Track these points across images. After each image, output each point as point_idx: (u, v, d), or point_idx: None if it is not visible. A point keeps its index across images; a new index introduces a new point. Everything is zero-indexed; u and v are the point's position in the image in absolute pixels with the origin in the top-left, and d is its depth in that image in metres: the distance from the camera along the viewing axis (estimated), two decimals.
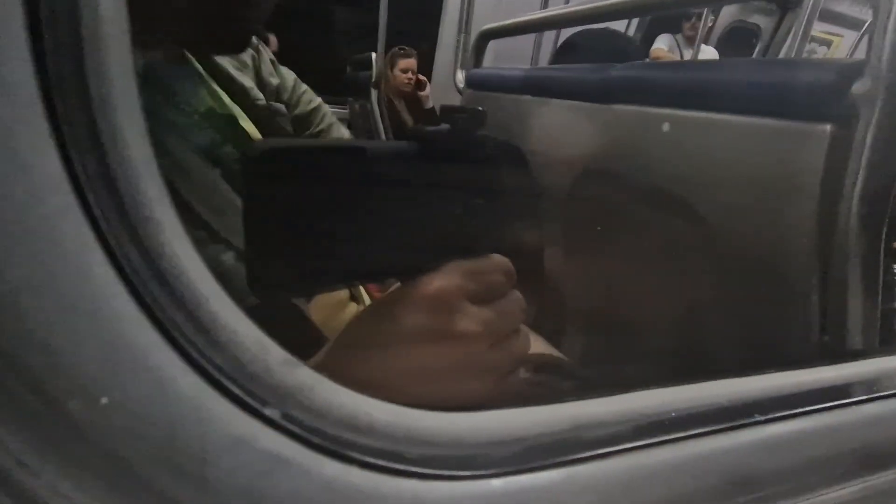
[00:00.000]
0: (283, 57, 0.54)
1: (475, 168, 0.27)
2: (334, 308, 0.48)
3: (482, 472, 0.17)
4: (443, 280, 0.24)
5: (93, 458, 0.11)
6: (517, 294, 0.26)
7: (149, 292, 0.12)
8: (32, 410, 0.11)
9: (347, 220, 0.23)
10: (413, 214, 0.25)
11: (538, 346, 0.61)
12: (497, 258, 0.26)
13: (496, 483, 0.17)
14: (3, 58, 0.10)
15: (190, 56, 0.40)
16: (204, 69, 0.41)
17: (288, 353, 0.16)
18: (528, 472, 0.18)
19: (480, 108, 0.27)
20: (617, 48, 1.32)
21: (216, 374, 0.13)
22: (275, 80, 0.52)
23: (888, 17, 0.46)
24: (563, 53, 1.36)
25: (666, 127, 0.61)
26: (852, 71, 0.48)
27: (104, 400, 0.11)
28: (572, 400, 0.21)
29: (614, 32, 1.43)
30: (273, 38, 2.42)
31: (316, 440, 0.14)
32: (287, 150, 0.23)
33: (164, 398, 0.12)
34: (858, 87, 0.47)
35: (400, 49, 2.50)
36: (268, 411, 0.14)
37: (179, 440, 0.12)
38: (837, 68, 0.51)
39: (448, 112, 0.26)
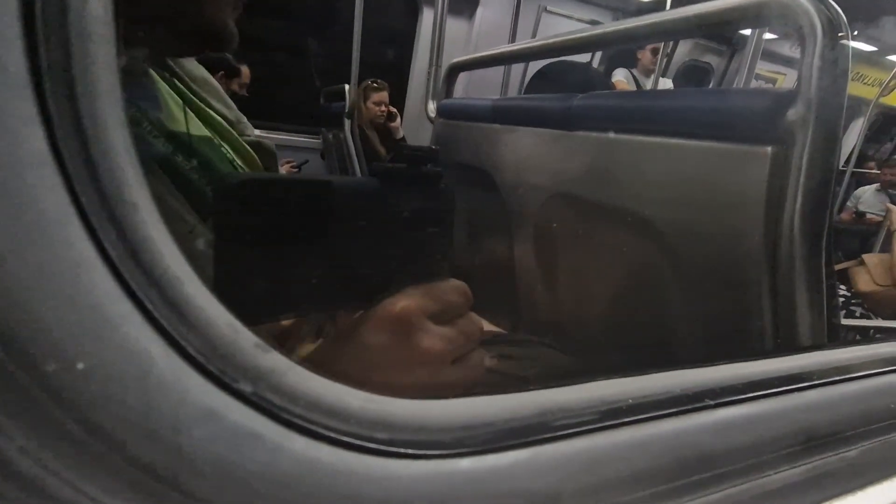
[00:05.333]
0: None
1: (430, 200, 0.29)
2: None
3: (450, 452, 0.18)
4: (405, 301, 0.26)
5: (67, 422, 0.12)
6: (474, 315, 0.29)
7: (125, 268, 0.13)
8: (7, 371, 0.11)
9: (313, 250, 0.25)
10: (374, 244, 0.27)
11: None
12: (454, 282, 0.28)
13: (464, 462, 0.18)
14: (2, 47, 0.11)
15: (158, 77, 0.41)
16: (178, 91, 0.42)
17: (258, 338, 0.16)
18: (495, 452, 0.18)
19: (433, 146, 0.29)
20: (584, 79, 1.39)
21: (189, 349, 0.14)
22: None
23: (814, 51, 0.51)
24: (536, 82, 1.43)
25: (612, 135, 0.65)
26: (787, 98, 0.53)
27: (80, 365, 0.11)
28: (539, 388, 0.22)
29: (583, 65, 1.52)
30: (246, 70, 2.45)
31: (286, 416, 0.15)
32: (258, 183, 0.25)
33: (138, 367, 0.12)
34: (793, 113, 0.52)
35: (373, 82, 2.57)
36: (240, 386, 0.14)
37: (153, 408, 0.12)
38: (774, 96, 0.55)
39: (404, 150, 0.28)
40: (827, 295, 0.52)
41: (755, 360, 0.28)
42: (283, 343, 0.44)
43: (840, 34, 0.50)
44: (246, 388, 0.14)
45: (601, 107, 0.81)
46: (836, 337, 0.60)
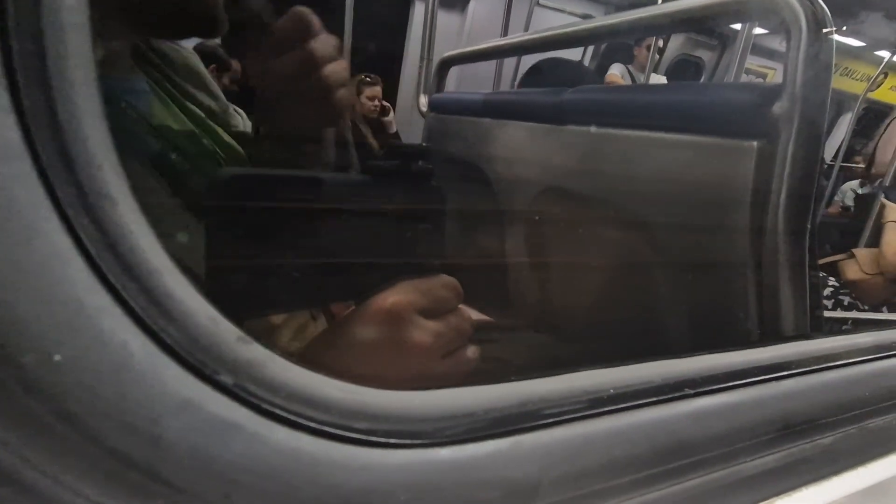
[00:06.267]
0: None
1: (420, 196, 0.29)
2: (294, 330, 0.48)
3: (430, 441, 0.18)
4: (395, 296, 0.26)
5: (45, 414, 0.12)
6: (465, 311, 0.29)
7: (103, 260, 0.13)
8: None
9: (303, 245, 0.25)
10: (364, 239, 0.27)
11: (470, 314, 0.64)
12: (444, 277, 0.28)
13: (444, 451, 0.18)
14: None
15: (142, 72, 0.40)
16: (164, 89, 0.42)
17: (241, 331, 0.17)
18: (475, 442, 0.19)
19: (423, 144, 0.30)
20: (576, 74, 1.40)
21: (168, 340, 0.14)
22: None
23: (799, 46, 0.51)
24: (530, 77, 1.43)
25: (593, 129, 0.66)
26: (773, 93, 0.54)
27: (57, 357, 0.12)
28: (520, 379, 0.22)
29: (575, 62, 1.52)
30: (237, 64, 2.43)
31: (266, 407, 0.15)
32: (250, 178, 0.25)
33: (115, 358, 0.12)
34: (778, 108, 0.53)
35: (366, 77, 2.55)
36: (220, 377, 0.14)
37: (130, 399, 0.12)
38: (760, 91, 0.56)
39: (394, 149, 0.28)
40: (810, 286, 0.53)
41: (735, 350, 0.29)
42: (276, 335, 0.44)
43: (825, 29, 0.51)
44: (226, 379, 0.15)
45: (591, 101, 0.81)
46: (820, 328, 0.61)
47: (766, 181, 0.53)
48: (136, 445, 0.12)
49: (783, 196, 0.52)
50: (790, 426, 0.25)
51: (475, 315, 0.64)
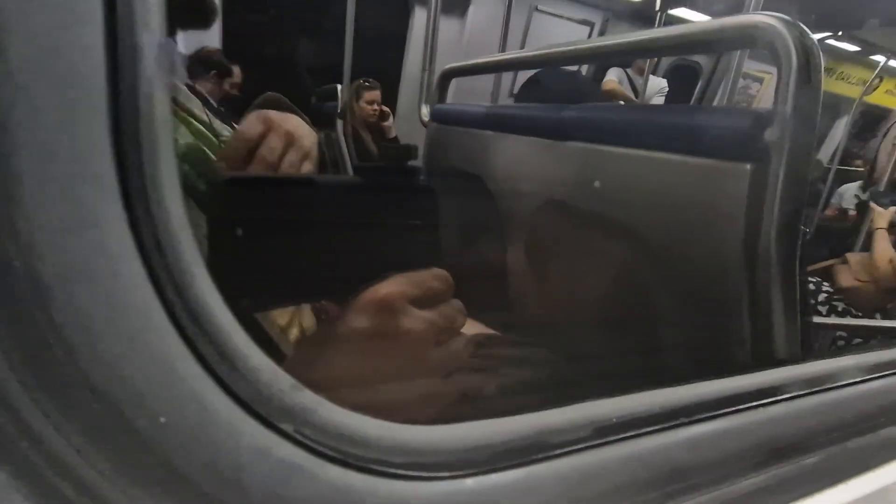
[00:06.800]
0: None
1: (411, 195, 0.31)
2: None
3: (457, 473, 0.20)
4: (388, 287, 0.28)
5: (155, 467, 0.14)
6: (457, 301, 0.30)
7: (189, 330, 0.15)
8: (109, 427, 0.14)
9: (299, 243, 0.27)
10: (358, 237, 0.29)
11: (474, 328, 0.66)
12: (435, 270, 0.30)
13: (469, 482, 0.21)
14: (91, 150, 0.14)
15: None
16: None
17: (293, 379, 0.19)
18: (496, 472, 0.21)
19: (412, 145, 0.32)
20: (574, 86, 1.42)
21: (241, 396, 0.16)
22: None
23: (789, 75, 0.54)
24: (528, 88, 1.46)
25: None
26: (765, 119, 0.56)
27: (163, 419, 0.14)
28: (532, 412, 0.25)
29: (573, 72, 1.55)
30: (237, 70, 2.45)
31: (321, 449, 0.18)
32: (248, 181, 0.27)
33: (204, 416, 0.15)
34: (769, 134, 0.55)
35: (365, 81, 2.57)
36: (283, 426, 0.17)
37: (217, 450, 0.15)
38: (754, 116, 0.59)
39: (386, 149, 0.31)
40: (800, 299, 0.55)
41: (726, 377, 0.31)
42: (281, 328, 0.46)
43: (814, 60, 0.53)
44: (287, 426, 0.17)
45: (592, 119, 0.84)
46: (809, 335, 0.63)
47: (759, 202, 0.56)
48: (223, 489, 0.15)
49: (775, 216, 0.55)
50: (778, 450, 0.28)
51: (482, 329, 0.66)
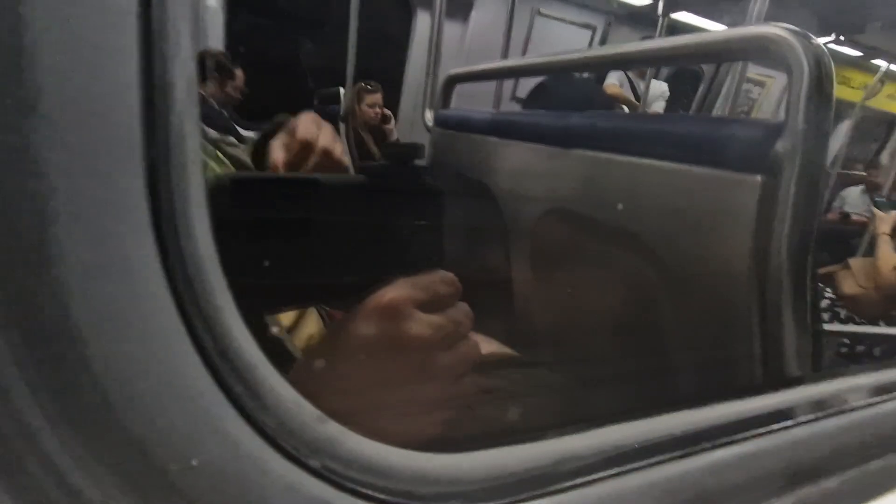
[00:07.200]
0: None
1: (414, 195, 0.31)
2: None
3: None
4: (394, 292, 0.27)
5: None
6: (464, 304, 0.30)
7: (219, 367, 0.15)
8: (141, 473, 0.13)
9: (303, 244, 0.26)
10: (362, 238, 0.28)
11: (492, 347, 0.66)
12: (442, 273, 0.29)
13: None
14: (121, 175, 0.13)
15: None
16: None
17: (318, 410, 0.19)
18: (519, 503, 0.21)
19: (418, 143, 0.30)
20: (582, 92, 1.42)
21: (268, 432, 0.16)
22: None
23: (801, 87, 0.54)
24: (536, 93, 1.46)
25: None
26: (776, 130, 0.56)
27: (194, 462, 0.14)
28: (553, 437, 0.25)
29: (583, 79, 1.55)
30: (240, 72, 2.45)
31: (349, 485, 0.17)
32: (251, 181, 0.26)
33: (235, 456, 0.15)
34: (780, 146, 0.55)
35: (367, 84, 2.58)
36: (311, 462, 0.16)
37: (247, 488, 0.15)
38: (765, 127, 0.58)
39: (389, 148, 0.30)
40: (811, 311, 0.55)
41: (742, 396, 0.31)
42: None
43: (826, 71, 0.53)
44: (314, 462, 0.17)
45: (599, 127, 0.84)
46: (820, 346, 0.63)
47: (770, 214, 0.56)
48: None
49: (786, 229, 0.55)
50: (799, 473, 0.28)
51: (497, 348, 0.66)
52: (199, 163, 0.16)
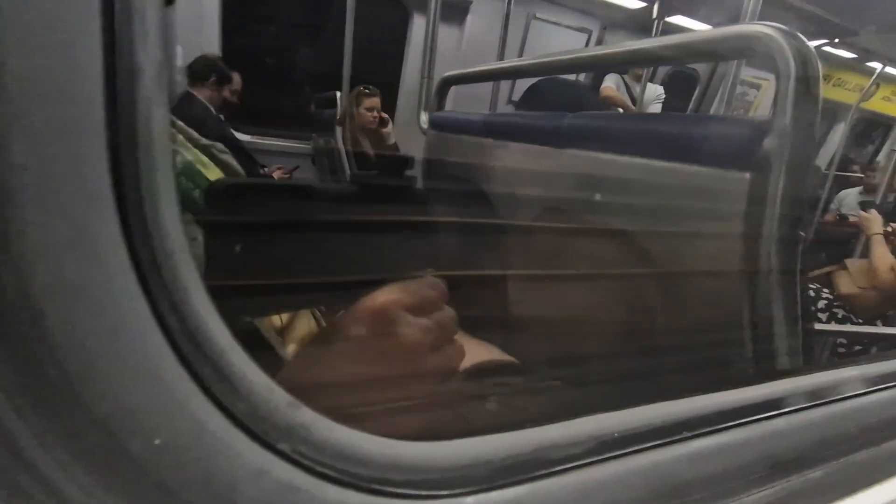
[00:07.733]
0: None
1: (403, 203, 0.32)
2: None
3: (457, 491, 0.20)
4: (384, 296, 0.29)
5: (151, 490, 0.14)
6: (450, 309, 0.31)
7: (185, 349, 0.15)
8: (103, 449, 0.13)
9: (293, 249, 0.27)
10: (351, 244, 0.29)
11: (489, 352, 0.66)
12: (430, 278, 0.31)
13: (469, 500, 0.20)
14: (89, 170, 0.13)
15: None
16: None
17: (290, 396, 0.19)
18: (497, 490, 0.21)
19: (408, 155, 0.32)
20: (574, 95, 1.43)
21: (237, 415, 0.16)
22: None
23: (788, 84, 0.54)
24: (530, 95, 1.47)
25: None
26: (764, 128, 0.56)
27: (157, 441, 0.14)
28: (532, 426, 0.25)
29: (573, 81, 1.55)
30: (237, 77, 2.46)
31: (319, 469, 0.17)
32: (245, 186, 0.27)
33: (199, 437, 0.15)
34: (768, 143, 0.55)
35: (364, 88, 2.58)
36: (280, 445, 0.16)
37: (213, 471, 0.15)
38: (753, 125, 0.59)
39: (380, 158, 0.31)
40: (801, 306, 0.55)
41: (727, 389, 0.31)
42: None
43: (812, 70, 0.54)
44: (285, 446, 0.17)
45: (590, 127, 0.84)
46: (811, 344, 0.63)
47: (759, 210, 0.56)
48: None
49: (775, 225, 0.55)
50: (780, 464, 0.28)
51: (498, 355, 0.65)
52: (167, 143, 0.16)
